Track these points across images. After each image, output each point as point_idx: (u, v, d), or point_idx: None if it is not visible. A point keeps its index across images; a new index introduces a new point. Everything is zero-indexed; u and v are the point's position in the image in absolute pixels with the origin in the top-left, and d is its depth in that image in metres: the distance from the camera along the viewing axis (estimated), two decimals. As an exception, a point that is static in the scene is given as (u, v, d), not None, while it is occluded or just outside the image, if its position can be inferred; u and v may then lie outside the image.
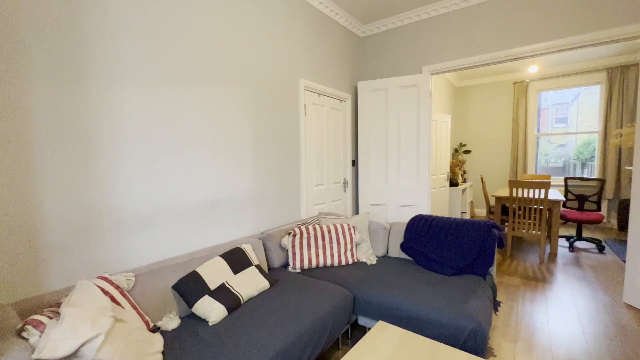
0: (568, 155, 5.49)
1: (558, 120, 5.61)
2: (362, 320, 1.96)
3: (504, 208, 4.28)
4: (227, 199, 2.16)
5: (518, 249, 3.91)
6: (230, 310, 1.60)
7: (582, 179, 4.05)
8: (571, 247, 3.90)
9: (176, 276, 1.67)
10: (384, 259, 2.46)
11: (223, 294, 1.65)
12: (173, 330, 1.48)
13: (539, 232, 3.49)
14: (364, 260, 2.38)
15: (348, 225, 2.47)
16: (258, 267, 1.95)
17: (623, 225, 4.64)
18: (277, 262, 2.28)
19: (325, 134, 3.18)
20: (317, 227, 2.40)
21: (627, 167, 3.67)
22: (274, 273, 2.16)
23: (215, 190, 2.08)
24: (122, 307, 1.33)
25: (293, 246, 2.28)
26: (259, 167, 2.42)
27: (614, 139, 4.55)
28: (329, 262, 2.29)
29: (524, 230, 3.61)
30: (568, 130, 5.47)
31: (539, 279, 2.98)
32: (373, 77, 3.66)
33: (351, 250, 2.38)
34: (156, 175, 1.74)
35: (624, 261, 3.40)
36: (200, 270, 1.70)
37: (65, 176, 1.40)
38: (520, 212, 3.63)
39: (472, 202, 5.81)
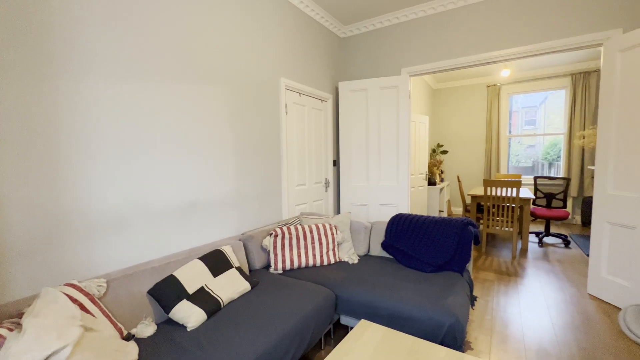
0: (537, 156, 5.79)
1: (527, 123, 5.92)
2: (345, 320, 1.96)
3: (479, 206, 4.45)
4: (206, 200, 2.10)
5: (492, 245, 4.08)
6: (209, 314, 1.56)
7: (549, 178, 4.28)
8: (540, 243, 4.12)
9: (152, 281, 1.60)
10: (365, 257, 2.48)
11: (202, 297, 1.60)
12: (149, 337, 1.42)
13: (511, 229, 3.66)
14: (346, 259, 2.39)
15: (330, 225, 2.47)
16: (239, 269, 1.91)
17: (586, 221, 4.96)
18: (258, 263, 2.25)
19: (306, 134, 3.17)
20: (299, 227, 2.39)
21: (589, 167, 3.92)
22: (255, 275, 2.12)
23: (194, 191, 2.02)
24: (93, 316, 1.26)
25: (274, 247, 2.25)
26: (239, 167, 2.37)
27: (578, 140, 4.85)
28: (311, 262, 2.28)
29: (497, 228, 3.76)
30: (536, 131, 5.77)
31: (512, 274, 3.12)
32: (354, 78, 3.69)
33: (333, 249, 2.38)
34: (131, 174, 1.66)
35: (588, 255, 3.63)
36: (178, 273, 1.64)
37: (30, 175, 1.30)
38: (494, 209, 3.79)
39: (449, 200, 6.00)
